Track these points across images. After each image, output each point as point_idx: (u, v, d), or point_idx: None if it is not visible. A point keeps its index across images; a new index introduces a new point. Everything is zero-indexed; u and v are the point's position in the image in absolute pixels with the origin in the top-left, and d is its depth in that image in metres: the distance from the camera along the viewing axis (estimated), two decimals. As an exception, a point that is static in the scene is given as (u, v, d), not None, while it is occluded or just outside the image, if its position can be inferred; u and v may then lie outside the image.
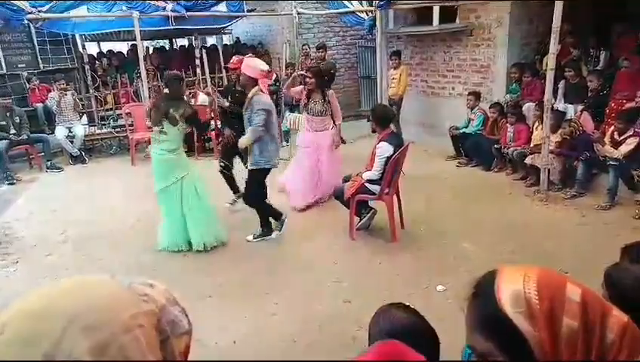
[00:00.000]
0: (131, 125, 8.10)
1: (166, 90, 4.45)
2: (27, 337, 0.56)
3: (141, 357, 0.58)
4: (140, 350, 0.59)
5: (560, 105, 6.08)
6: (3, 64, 8.27)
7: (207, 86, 8.49)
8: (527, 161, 5.77)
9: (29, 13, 6.85)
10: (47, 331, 0.55)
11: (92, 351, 0.55)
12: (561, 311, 0.71)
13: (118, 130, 8.51)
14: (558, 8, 4.87)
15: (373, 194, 4.40)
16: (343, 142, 8.13)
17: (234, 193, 5.39)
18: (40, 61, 8.64)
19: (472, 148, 6.77)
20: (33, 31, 8.38)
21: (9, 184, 6.80)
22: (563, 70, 6.11)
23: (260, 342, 3.06)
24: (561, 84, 6.22)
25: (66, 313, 0.57)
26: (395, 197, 4.54)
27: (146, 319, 0.62)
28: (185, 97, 4.26)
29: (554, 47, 5.02)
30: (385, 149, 4.26)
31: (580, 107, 5.95)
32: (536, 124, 5.91)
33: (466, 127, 6.96)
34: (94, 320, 0.57)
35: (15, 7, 6.68)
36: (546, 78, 5.29)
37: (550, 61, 5.09)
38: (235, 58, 5.53)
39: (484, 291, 1.01)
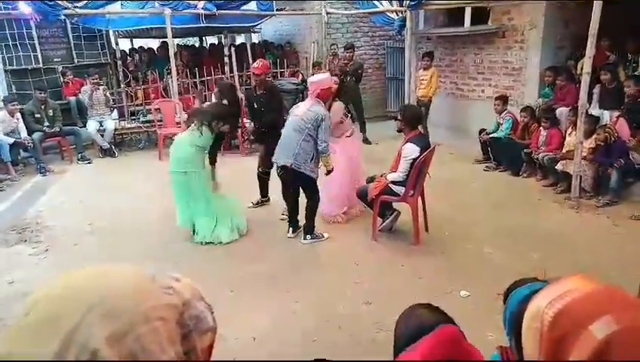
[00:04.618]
0: (160, 121, 8.22)
1: (224, 101, 4.97)
2: (48, 320, 0.56)
3: (159, 349, 0.58)
4: (158, 342, 0.58)
5: (594, 111, 5.89)
6: (40, 58, 8.52)
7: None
8: (559, 167, 5.61)
9: (66, 8, 7.05)
10: (68, 315, 0.55)
11: (109, 339, 0.54)
12: (573, 341, 0.71)
13: (147, 125, 8.65)
14: (597, 10, 4.71)
15: (398, 195, 4.34)
16: (368, 142, 8.17)
17: (262, 196, 5.41)
18: (74, 56, 8.87)
19: (501, 153, 6.63)
20: (69, 26, 8.61)
21: (42, 175, 7.00)
22: (598, 75, 5.92)
23: (279, 340, 3.05)
24: (597, 89, 6.03)
25: (87, 299, 0.57)
26: (419, 199, 4.48)
27: (167, 312, 0.61)
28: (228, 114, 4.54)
29: (590, 50, 4.86)
30: (411, 150, 4.19)
31: (615, 113, 5.75)
32: (570, 129, 5.74)
33: (495, 131, 6.83)
34: (114, 308, 0.57)
35: (52, 3, 6.89)
36: (580, 83, 5.13)
37: (586, 65, 4.94)
38: (259, 62, 5.15)
39: (512, 295, 1.03)
